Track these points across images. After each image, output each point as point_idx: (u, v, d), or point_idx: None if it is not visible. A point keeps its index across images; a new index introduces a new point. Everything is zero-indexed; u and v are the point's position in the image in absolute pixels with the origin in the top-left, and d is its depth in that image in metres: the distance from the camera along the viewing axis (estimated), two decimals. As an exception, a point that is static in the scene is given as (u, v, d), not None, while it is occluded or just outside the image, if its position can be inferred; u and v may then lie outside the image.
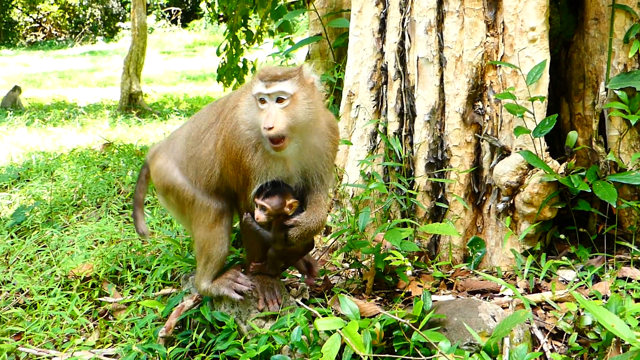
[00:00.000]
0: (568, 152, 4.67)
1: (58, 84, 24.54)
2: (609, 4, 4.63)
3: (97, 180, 7.12)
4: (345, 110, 5.40)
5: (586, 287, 4.03)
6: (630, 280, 4.06)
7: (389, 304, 4.04)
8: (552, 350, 3.45)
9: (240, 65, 11.44)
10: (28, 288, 4.56)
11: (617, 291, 3.91)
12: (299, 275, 4.25)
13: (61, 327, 4.16)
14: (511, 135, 4.58)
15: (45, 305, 4.32)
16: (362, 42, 5.24)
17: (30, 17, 41.34)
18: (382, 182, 4.71)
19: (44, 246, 5.28)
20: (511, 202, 4.55)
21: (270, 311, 3.69)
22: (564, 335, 3.54)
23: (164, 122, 13.53)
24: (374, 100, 5.11)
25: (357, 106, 5.22)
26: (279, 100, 3.27)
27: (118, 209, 6.20)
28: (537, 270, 4.31)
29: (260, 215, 3.49)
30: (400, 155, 4.84)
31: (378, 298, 4.19)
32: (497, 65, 4.63)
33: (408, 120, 4.88)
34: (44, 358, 3.85)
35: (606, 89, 4.62)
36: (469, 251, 4.72)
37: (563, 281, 4.29)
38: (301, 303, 3.72)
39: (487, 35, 4.67)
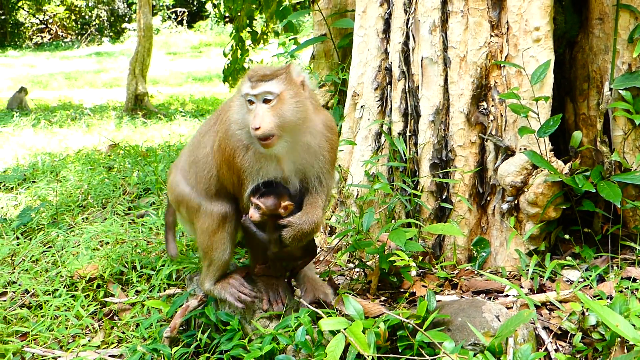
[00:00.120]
0: (572, 152, 4.66)
1: (64, 85, 24.60)
2: (614, 3, 4.62)
3: (102, 181, 7.14)
4: (350, 110, 5.40)
5: (591, 287, 4.02)
6: (635, 280, 4.06)
7: (393, 304, 4.04)
8: (556, 350, 3.45)
9: (246, 65, 11.45)
10: (33, 289, 4.58)
11: (621, 291, 3.89)
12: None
13: (66, 328, 4.18)
14: (515, 135, 4.58)
15: (51, 305, 4.33)
16: (367, 43, 5.24)
17: (37, 18, 41.50)
18: (387, 183, 4.71)
19: (50, 247, 5.30)
20: (516, 202, 4.55)
21: (274, 311, 3.70)
22: (569, 335, 3.53)
23: (169, 123, 13.55)
24: (378, 101, 5.11)
25: (362, 106, 5.22)
26: (266, 100, 3.28)
27: (123, 210, 6.22)
28: (541, 270, 4.30)
29: (254, 214, 3.50)
30: (405, 155, 4.84)
31: (382, 298, 4.20)
32: (502, 65, 4.63)
33: (412, 121, 4.88)
34: (49, 358, 3.87)
35: (610, 89, 4.61)
36: (474, 251, 4.71)
37: (567, 281, 4.29)
38: (305, 303, 3.72)
39: (491, 35, 4.66)
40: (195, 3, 41.72)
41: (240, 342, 3.52)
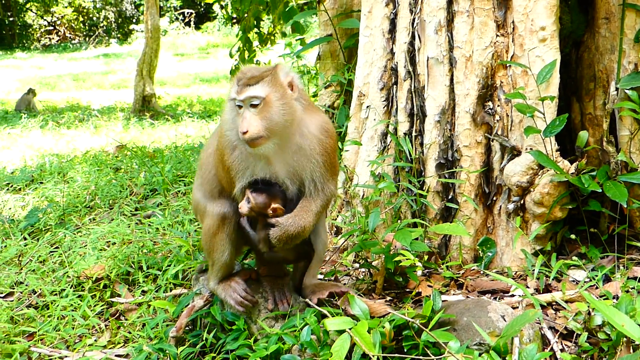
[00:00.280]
0: (579, 152, 4.65)
1: (72, 86, 24.71)
2: (620, 3, 4.60)
3: (109, 182, 7.17)
4: (356, 110, 5.41)
5: (597, 287, 4.02)
6: (641, 280, 4.05)
7: (398, 304, 4.05)
8: (562, 350, 3.45)
9: (252, 66, 11.44)
10: (40, 289, 4.60)
11: (627, 291, 3.89)
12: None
13: (73, 328, 4.19)
14: (521, 135, 4.57)
15: (58, 305, 4.35)
16: (372, 43, 5.24)
17: (45, 20, 41.68)
18: (393, 183, 4.71)
19: (57, 247, 5.32)
20: (522, 202, 4.54)
21: (280, 311, 3.70)
22: (574, 335, 3.53)
23: (177, 124, 13.58)
24: (384, 101, 5.11)
25: (368, 107, 5.22)
26: (253, 105, 3.28)
27: (130, 211, 6.23)
28: (547, 270, 4.30)
29: (243, 206, 3.51)
30: (411, 155, 4.84)
31: (388, 298, 4.20)
32: (507, 65, 4.62)
33: (418, 121, 4.88)
34: (55, 358, 3.88)
35: (617, 89, 4.59)
36: (480, 251, 4.71)
37: (573, 281, 4.28)
38: (311, 303, 3.72)
39: (497, 35, 4.66)
40: (202, 4, 41.78)
41: (246, 341, 3.53)
